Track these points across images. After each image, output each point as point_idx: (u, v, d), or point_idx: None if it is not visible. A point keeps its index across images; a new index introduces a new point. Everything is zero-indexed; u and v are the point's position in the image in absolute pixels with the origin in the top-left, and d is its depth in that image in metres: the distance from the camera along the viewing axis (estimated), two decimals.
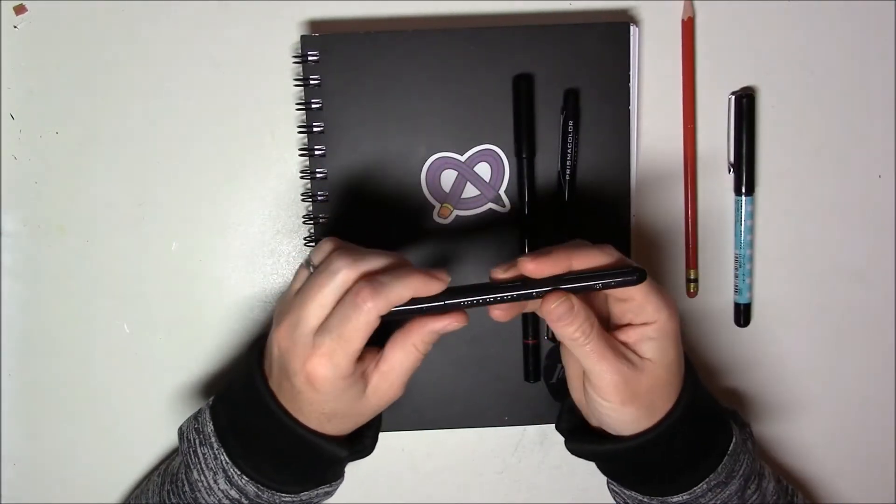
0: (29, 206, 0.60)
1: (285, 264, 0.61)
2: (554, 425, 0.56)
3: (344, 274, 0.45)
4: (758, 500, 0.52)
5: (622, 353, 0.47)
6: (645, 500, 0.53)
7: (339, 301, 0.45)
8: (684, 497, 0.51)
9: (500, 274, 0.47)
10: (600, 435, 0.51)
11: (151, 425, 0.61)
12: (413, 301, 0.45)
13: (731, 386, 0.63)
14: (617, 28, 0.57)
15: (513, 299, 0.46)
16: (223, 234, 0.60)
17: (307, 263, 0.48)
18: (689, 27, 0.59)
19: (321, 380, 0.45)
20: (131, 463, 0.62)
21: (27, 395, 0.61)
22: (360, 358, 0.46)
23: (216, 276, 0.61)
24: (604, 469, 0.54)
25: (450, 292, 0.46)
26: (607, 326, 0.49)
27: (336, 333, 0.44)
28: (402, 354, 0.47)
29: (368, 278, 0.45)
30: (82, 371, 0.61)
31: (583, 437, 0.52)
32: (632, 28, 0.57)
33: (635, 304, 0.47)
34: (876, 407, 0.63)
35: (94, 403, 0.61)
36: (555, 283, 0.46)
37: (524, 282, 0.46)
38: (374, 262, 0.46)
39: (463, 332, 0.58)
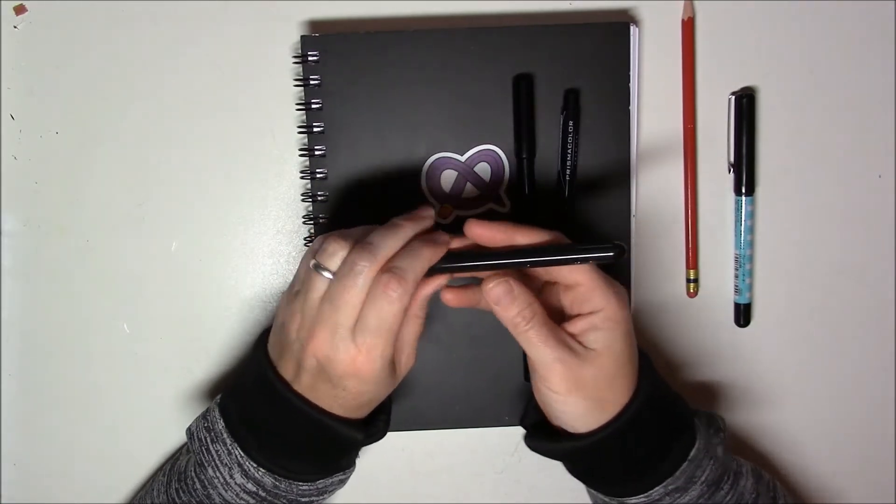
0: (29, 206, 0.60)
1: (285, 264, 0.61)
2: (519, 420, 0.57)
3: (370, 271, 0.46)
4: (733, 499, 0.52)
5: (566, 342, 0.48)
6: (606, 499, 0.53)
7: (368, 297, 0.46)
8: (641, 499, 0.51)
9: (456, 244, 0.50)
10: (559, 434, 0.51)
11: (151, 425, 0.61)
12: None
13: (731, 385, 0.63)
14: (617, 28, 0.57)
15: (503, 267, 0.48)
16: (223, 234, 0.60)
17: (317, 267, 0.48)
18: (689, 27, 0.59)
19: (370, 373, 0.47)
20: (131, 463, 0.62)
21: (27, 395, 0.61)
22: None
23: (216, 276, 0.61)
24: (568, 468, 0.54)
25: (449, 257, 0.49)
26: (559, 319, 0.50)
27: (375, 327, 0.46)
28: (407, 326, 0.49)
29: (388, 267, 0.46)
30: (82, 371, 0.61)
31: (541, 434, 0.52)
32: (632, 28, 0.57)
33: (583, 290, 0.48)
34: (876, 407, 0.63)
35: (93, 403, 0.61)
36: (535, 255, 0.48)
37: (508, 252, 0.48)
38: (388, 247, 0.47)
39: (463, 332, 0.58)
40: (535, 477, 0.63)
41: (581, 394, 0.48)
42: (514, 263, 0.48)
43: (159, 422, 0.61)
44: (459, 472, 0.63)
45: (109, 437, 0.62)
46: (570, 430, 0.50)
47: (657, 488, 0.50)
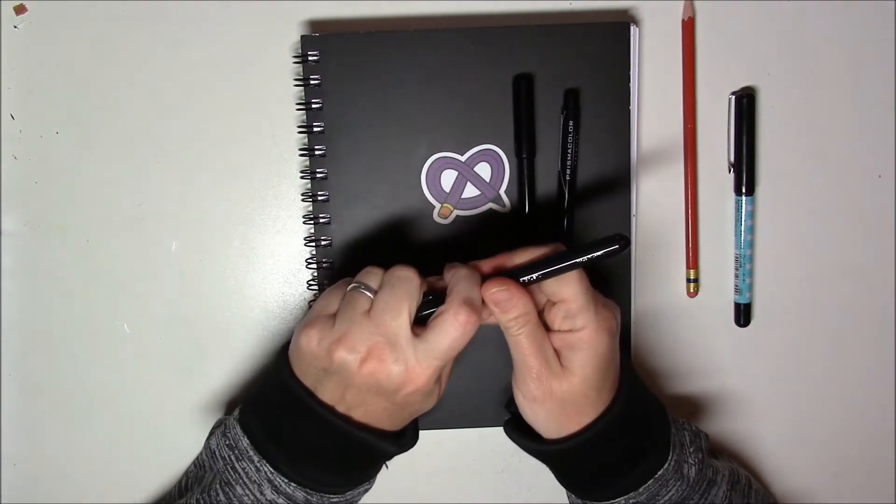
0: (29, 206, 0.60)
1: (285, 264, 0.61)
2: (505, 405, 0.57)
3: (416, 278, 0.48)
4: None
5: (547, 355, 0.49)
6: (573, 499, 0.55)
7: (439, 322, 0.47)
8: None
9: (434, 283, 0.50)
10: (532, 432, 0.52)
11: (151, 425, 0.61)
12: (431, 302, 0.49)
13: (731, 386, 0.63)
14: (617, 28, 0.57)
15: (530, 282, 0.49)
16: (223, 234, 0.60)
17: (360, 286, 0.49)
18: (689, 27, 0.59)
19: (425, 385, 0.48)
20: (131, 463, 0.62)
21: (27, 395, 0.61)
22: None
23: (216, 276, 0.61)
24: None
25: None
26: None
27: (442, 352, 0.47)
28: (452, 343, 0.49)
29: (463, 300, 0.47)
30: (82, 371, 0.61)
31: (518, 424, 0.53)
32: (632, 28, 0.57)
33: (570, 307, 0.48)
34: (876, 407, 0.63)
35: (93, 404, 0.61)
36: (542, 267, 0.48)
37: (516, 271, 0.49)
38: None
39: None
40: (535, 477, 0.63)
41: (548, 405, 0.49)
42: (525, 281, 0.48)
43: (159, 422, 0.61)
44: (459, 472, 0.63)
45: (109, 437, 0.62)
46: (539, 432, 0.51)
47: (618, 499, 0.51)
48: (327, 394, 0.49)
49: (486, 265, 0.50)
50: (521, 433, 0.53)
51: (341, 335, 0.47)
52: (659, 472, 0.51)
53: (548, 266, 0.48)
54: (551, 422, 0.50)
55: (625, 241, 0.46)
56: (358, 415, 0.49)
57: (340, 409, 0.49)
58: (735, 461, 0.62)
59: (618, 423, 0.50)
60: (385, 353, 0.46)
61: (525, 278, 0.48)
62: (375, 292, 0.48)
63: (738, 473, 0.57)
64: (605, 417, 0.50)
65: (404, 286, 0.48)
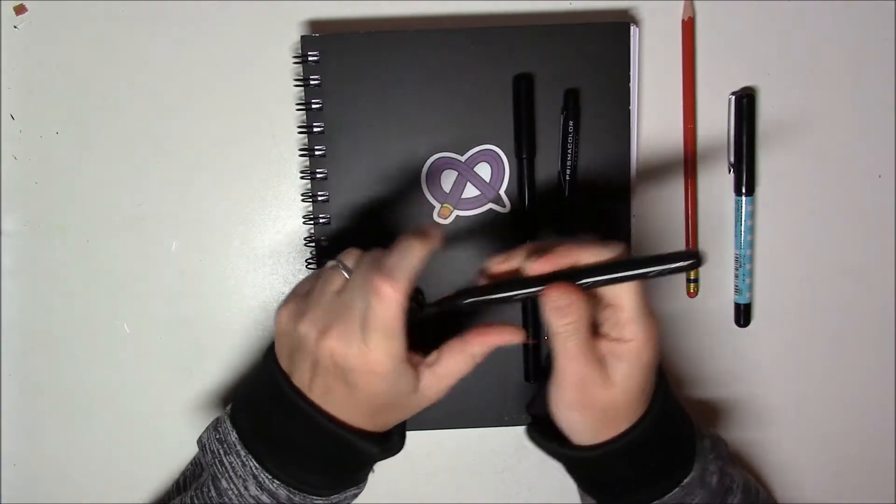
0: (29, 206, 0.60)
1: (285, 264, 0.61)
2: (525, 405, 0.56)
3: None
4: None
5: (594, 363, 0.48)
6: (587, 499, 0.54)
7: (364, 298, 0.46)
8: None
9: (497, 265, 0.48)
10: (559, 436, 0.51)
11: (151, 425, 0.61)
12: (465, 293, 0.48)
13: (731, 386, 0.63)
14: (617, 28, 0.57)
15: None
16: (223, 234, 0.60)
17: (339, 265, 0.48)
18: (689, 27, 0.59)
19: (382, 370, 0.46)
20: (131, 463, 0.62)
21: (27, 395, 0.61)
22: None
23: (216, 277, 0.61)
24: (564, 468, 0.54)
25: (500, 286, 0.47)
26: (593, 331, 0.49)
27: (375, 328, 0.45)
28: (461, 362, 0.48)
29: (376, 267, 0.45)
30: (82, 371, 0.61)
31: (542, 429, 0.52)
32: (632, 28, 0.57)
33: (622, 315, 0.47)
34: (876, 407, 0.63)
35: (93, 404, 0.61)
36: (603, 272, 0.46)
37: (578, 272, 0.46)
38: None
39: (462, 332, 0.58)
40: (535, 477, 0.63)
41: (587, 412, 0.48)
42: (588, 284, 0.46)
43: (159, 422, 0.61)
44: (459, 472, 0.63)
45: (109, 437, 0.62)
46: (571, 438, 0.50)
47: None
48: (300, 376, 0.48)
49: (547, 261, 0.47)
50: (550, 438, 0.51)
51: (307, 309, 0.47)
52: (685, 480, 0.51)
53: (612, 272, 0.45)
54: (587, 429, 0.49)
55: (699, 258, 0.44)
56: (329, 406, 0.48)
57: (314, 398, 0.48)
58: (737, 463, 0.62)
59: (651, 431, 0.50)
60: (342, 331, 0.46)
61: (586, 282, 0.46)
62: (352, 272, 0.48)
63: (749, 481, 0.57)
64: (639, 426, 0.49)
65: (377, 269, 0.46)
